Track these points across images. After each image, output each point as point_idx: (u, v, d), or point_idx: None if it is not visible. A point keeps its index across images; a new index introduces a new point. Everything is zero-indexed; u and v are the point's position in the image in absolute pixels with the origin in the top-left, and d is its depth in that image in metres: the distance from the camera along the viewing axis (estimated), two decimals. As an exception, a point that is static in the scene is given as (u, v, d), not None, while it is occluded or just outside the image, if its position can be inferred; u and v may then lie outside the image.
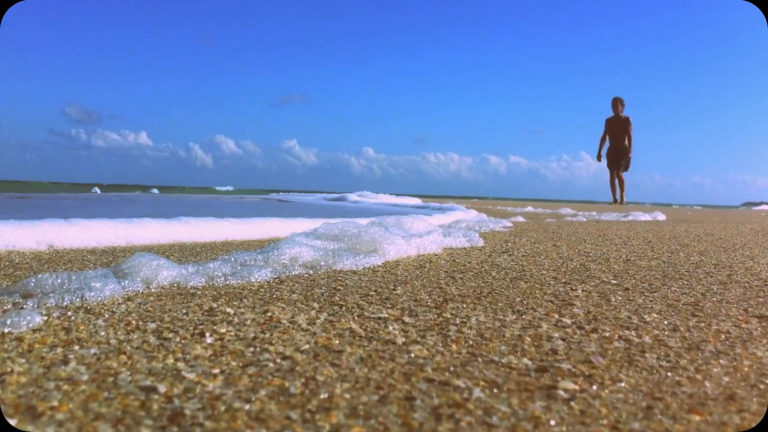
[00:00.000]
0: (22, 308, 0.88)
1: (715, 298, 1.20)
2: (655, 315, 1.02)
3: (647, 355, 0.77)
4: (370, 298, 1.09)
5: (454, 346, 0.78)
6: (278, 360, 0.70)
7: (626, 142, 10.66)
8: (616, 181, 10.93)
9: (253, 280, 1.21)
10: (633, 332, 0.89)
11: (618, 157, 10.78)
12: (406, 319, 0.93)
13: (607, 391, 0.63)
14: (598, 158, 10.97)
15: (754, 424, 0.56)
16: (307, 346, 0.76)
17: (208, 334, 0.80)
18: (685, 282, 1.41)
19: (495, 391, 0.62)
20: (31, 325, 0.80)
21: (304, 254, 1.43)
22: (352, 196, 9.18)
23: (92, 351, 0.71)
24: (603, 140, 10.98)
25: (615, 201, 10.93)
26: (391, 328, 0.87)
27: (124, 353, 0.71)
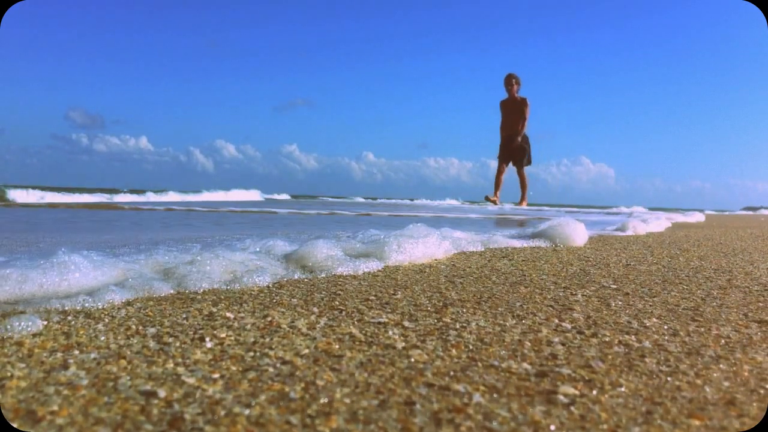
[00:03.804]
0: (22, 312, 0.88)
1: (715, 303, 1.20)
2: (655, 320, 1.02)
3: (647, 359, 0.77)
4: (370, 302, 1.09)
5: (454, 350, 0.78)
6: (278, 365, 0.70)
7: (520, 127, 8.85)
8: (508, 178, 9.07)
9: (253, 285, 1.21)
10: (633, 337, 0.89)
11: (511, 147, 8.91)
12: (406, 323, 0.93)
13: (607, 395, 0.63)
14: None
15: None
16: (307, 351, 0.76)
17: (208, 339, 0.80)
18: (685, 287, 1.41)
19: (495, 395, 0.62)
20: (31, 329, 0.80)
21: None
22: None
23: (92, 355, 0.71)
24: (502, 130, 9.15)
25: (495, 198, 9.02)
26: (391, 332, 0.87)
27: (124, 358, 0.71)
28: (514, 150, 8.91)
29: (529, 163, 8.95)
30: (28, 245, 1.82)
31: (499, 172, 9.09)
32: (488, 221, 4.54)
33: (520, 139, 8.85)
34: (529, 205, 9.68)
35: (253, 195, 13.87)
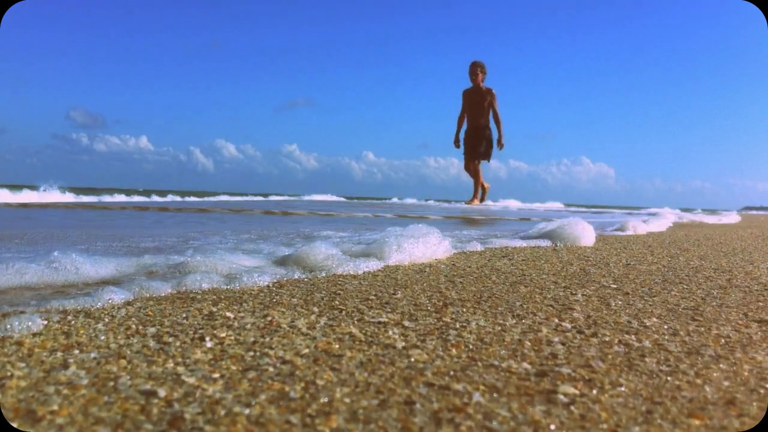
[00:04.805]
0: (22, 312, 0.88)
1: (715, 303, 1.20)
2: (655, 319, 1.02)
3: (647, 359, 0.77)
4: (370, 302, 1.09)
5: (454, 350, 0.78)
6: (278, 364, 0.70)
7: (483, 120, 8.20)
8: (479, 173, 8.46)
9: (253, 285, 1.21)
10: (633, 336, 0.89)
11: (477, 141, 8.28)
12: (406, 323, 0.93)
13: (607, 395, 0.63)
14: (456, 143, 8.46)
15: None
16: (307, 351, 0.76)
17: (208, 339, 0.80)
18: (685, 286, 1.41)
19: (495, 395, 0.62)
20: (31, 329, 0.80)
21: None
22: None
23: (92, 355, 0.71)
24: (461, 120, 8.44)
25: (476, 198, 8.56)
26: (391, 332, 0.87)
27: (124, 357, 0.71)
28: (479, 143, 8.25)
29: (486, 157, 8.37)
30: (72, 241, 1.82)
31: (470, 168, 8.47)
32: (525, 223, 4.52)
33: (503, 139, 8.23)
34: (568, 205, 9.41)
35: (329, 197, 13.84)
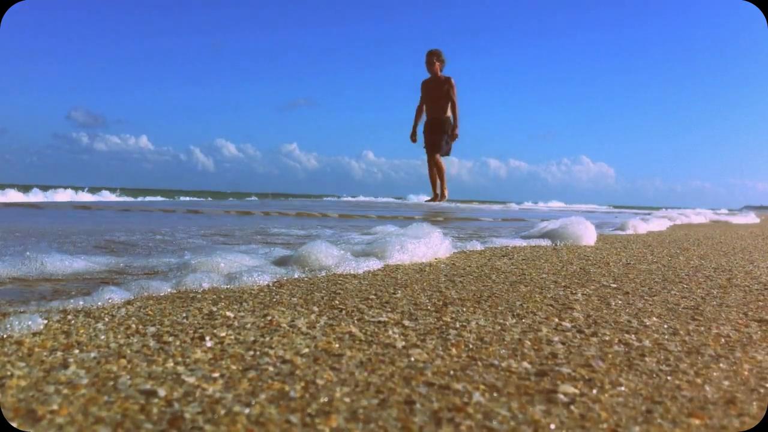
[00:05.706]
0: (22, 312, 0.88)
1: (715, 302, 1.20)
2: (655, 319, 1.02)
3: (647, 359, 0.77)
4: (370, 301, 1.08)
5: (453, 349, 0.78)
6: (278, 364, 0.70)
7: (448, 112, 7.81)
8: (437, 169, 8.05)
9: (253, 284, 1.21)
10: (633, 336, 0.89)
11: (436, 134, 7.89)
12: (406, 322, 0.93)
13: (607, 395, 0.63)
14: (412, 138, 8.02)
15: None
16: (306, 350, 0.76)
17: (208, 338, 0.80)
18: (685, 286, 1.41)
19: (495, 394, 0.62)
20: (31, 328, 0.80)
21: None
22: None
23: (92, 355, 0.71)
24: (419, 112, 8.06)
25: (435, 196, 8.18)
26: (390, 331, 0.87)
27: (124, 357, 0.71)
28: (439, 135, 7.83)
29: (447, 152, 7.98)
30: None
31: (430, 164, 8.05)
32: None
33: (457, 130, 7.81)
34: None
35: (385, 199, 13.33)
